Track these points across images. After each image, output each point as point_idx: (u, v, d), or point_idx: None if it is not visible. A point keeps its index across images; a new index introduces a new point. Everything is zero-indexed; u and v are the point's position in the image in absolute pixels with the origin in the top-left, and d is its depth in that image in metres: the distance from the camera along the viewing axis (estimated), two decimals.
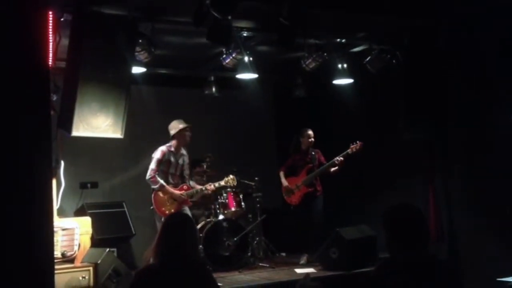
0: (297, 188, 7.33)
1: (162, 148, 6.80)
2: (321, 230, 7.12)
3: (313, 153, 7.42)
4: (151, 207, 6.81)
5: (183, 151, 6.97)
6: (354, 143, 7.08)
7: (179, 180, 6.93)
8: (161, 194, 6.76)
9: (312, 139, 7.40)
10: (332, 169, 7.20)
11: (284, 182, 7.44)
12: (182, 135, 6.85)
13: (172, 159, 6.83)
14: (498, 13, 5.88)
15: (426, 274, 2.95)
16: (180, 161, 6.93)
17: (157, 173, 6.70)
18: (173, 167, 6.86)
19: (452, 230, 6.80)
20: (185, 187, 6.92)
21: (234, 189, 7.47)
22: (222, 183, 7.01)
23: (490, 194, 6.23)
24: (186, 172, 7.06)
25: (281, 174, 7.51)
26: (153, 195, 6.76)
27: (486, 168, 6.28)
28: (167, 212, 6.65)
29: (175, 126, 6.84)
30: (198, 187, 7.10)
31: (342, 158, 7.09)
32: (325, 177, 7.40)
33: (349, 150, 7.07)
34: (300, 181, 7.33)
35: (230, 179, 7.02)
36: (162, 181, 6.70)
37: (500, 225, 6.08)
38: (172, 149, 6.84)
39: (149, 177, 6.70)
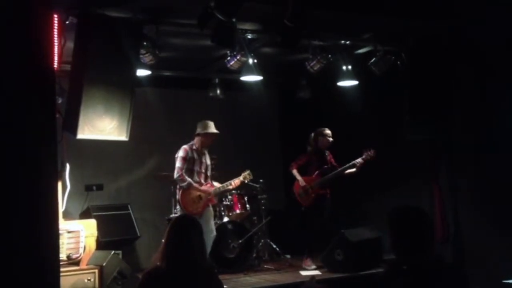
0: (311, 189, 7.20)
1: (184, 146, 6.79)
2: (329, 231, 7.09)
3: (326, 154, 7.34)
4: (177, 207, 6.75)
5: (206, 151, 6.96)
6: (369, 150, 6.98)
7: (204, 179, 6.89)
8: (188, 194, 6.72)
9: (331, 139, 7.28)
10: (348, 171, 7.12)
11: (302, 181, 7.18)
12: (207, 138, 6.83)
13: (196, 156, 6.80)
14: (504, 13, 5.87)
15: (432, 275, 2.94)
16: (204, 159, 6.91)
17: (183, 171, 6.69)
18: (198, 165, 6.82)
19: (458, 231, 6.79)
20: (208, 185, 6.90)
21: (239, 191, 7.47)
22: (241, 178, 7.01)
23: (496, 195, 6.21)
24: (210, 171, 7.02)
25: (295, 172, 7.24)
26: (180, 196, 6.73)
27: (491, 168, 6.27)
28: (194, 212, 6.62)
29: (205, 127, 6.80)
30: (220, 185, 7.03)
31: (362, 161, 7.00)
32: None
33: (364, 157, 6.98)
34: (314, 182, 7.19)
35: (246, 174, 7.03)
36: (190, 179, 6.68)
37: (506, 226, 6.06)
38: (194, 147, 6.82)
39: (178, 175, 6.67)
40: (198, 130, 6.83)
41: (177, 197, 6.81)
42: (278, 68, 7.94)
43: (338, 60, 6.96)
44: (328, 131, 7.25)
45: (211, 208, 6.89)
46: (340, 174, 7.14)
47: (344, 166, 7.13)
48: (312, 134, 7.32)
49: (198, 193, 6.75)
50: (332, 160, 7.32)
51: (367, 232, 6.95)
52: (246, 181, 7.08)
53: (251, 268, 7.13)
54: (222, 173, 7.38)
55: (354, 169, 7.07)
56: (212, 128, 6.82)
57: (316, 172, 7.25)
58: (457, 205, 6.83)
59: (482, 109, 6.39)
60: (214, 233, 6.73)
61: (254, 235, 7.38)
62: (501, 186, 6.12)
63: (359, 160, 7.01)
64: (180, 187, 6.72)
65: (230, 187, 7.02)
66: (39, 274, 3.26)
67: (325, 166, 7.25)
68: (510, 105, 6.05)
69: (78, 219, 7.04)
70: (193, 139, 6.87)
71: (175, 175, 6.70)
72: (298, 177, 7.24)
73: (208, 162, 6.98)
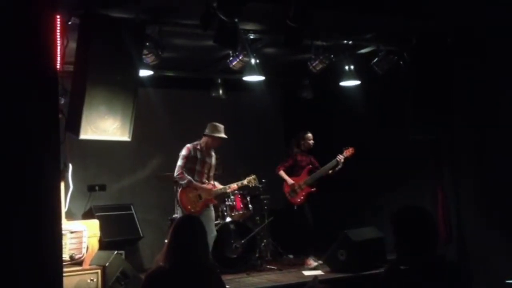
0: (300, 188, 7.31)
1: (188, 145, 6.77)
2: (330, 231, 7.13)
3: (309, 156, 7.48)
4: (177, 206, 6.77)
5: (212, 152, 6.94)
6: (348, 148, 7.18)
7: (206, 179, 6.85)
8: (188, 193, 6.68)
9: (312, 141, 7.44)
10: (331, 170, 7.23)
11: (290, 180, 7.35)
12: (214, 141, 6.82)
13: (199, 155, 6.76)
14: (504, 13, 5.86)
15: (435, 275, 2.94)
16: (208, 160, 6.86)
17: (184, 169, 6.66)
18: (200, 164, 6.77)
19: (461, 231, 6.78)
20: (210, 186, 6.87)
21: (241, 191, 7.47)
22: (245, 182, 7.01)
23: (498, 195, 6.20)
24: (212, 172, 6.98)
25: (282, 173, 7.44)
26: (179, 194, 6.71)
27: (494, 168, 6.26)
28: (193, 210, 6.60)
29: (214, 130, 6.77)
30: (221, 186, 7.01)
31: (343, 158, 7.13)
32: (332, 179, 7.38)
33: (344, 154, 7.15)
34: (302, 181, 7.32)
35: (252, 179, 7.04)
36: (189, 177, 6.66)
37: (509, 226, 6.05)
38: (199, 146, 6.79)
39: (177, 173, 6.66)
40: (207, 131, 6.81)
41: (177, 195, 6.79)
42: (280, 68, 7.93)
43: (340, 60, 6.96)
44: (309, 134, 7.49)
45: (211, 208, 6.87)
46: (325, 172, 7.26)
47: (328, 164, 7.24)
48: (294, 139, 7.55)
49: (198, 192, 6.72)
50: (315, 162, 7.46)
51: (370, 232, 6.95)
52: (250, 186, 7.08)
53: (253, 268, 7.13)
54: (224, 174, 7.38)
55: (338, 167, 7.19)
56: (220, 132, 6.80)
57: (303, 172, 7.41)
58: (460, 206, 6.82)
59: (485, 109, 6.38)
60: (215, 233, 6.72)
61: (257, 235, 7.38)
62: (504, 186, 6.11)
63: (340, 156, 7.16)
64: (180, 185, 6.71)
65: (230, 190, 7.02)
66: (42, 274, 3.26)
67: (310, 166, 7.42)
68: None
69: (80, 219, 7.04)
70: (200, 138, 6.86)
71: (175, 173, 6.70)
72: (286, 177, 7.42)
73: (213, 163, 6.93)
